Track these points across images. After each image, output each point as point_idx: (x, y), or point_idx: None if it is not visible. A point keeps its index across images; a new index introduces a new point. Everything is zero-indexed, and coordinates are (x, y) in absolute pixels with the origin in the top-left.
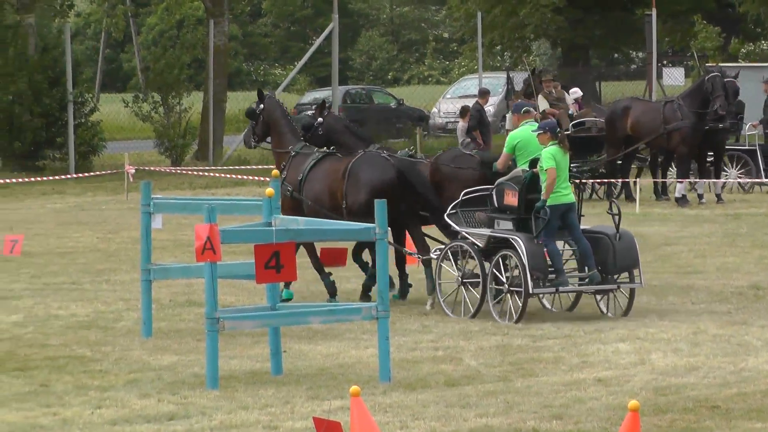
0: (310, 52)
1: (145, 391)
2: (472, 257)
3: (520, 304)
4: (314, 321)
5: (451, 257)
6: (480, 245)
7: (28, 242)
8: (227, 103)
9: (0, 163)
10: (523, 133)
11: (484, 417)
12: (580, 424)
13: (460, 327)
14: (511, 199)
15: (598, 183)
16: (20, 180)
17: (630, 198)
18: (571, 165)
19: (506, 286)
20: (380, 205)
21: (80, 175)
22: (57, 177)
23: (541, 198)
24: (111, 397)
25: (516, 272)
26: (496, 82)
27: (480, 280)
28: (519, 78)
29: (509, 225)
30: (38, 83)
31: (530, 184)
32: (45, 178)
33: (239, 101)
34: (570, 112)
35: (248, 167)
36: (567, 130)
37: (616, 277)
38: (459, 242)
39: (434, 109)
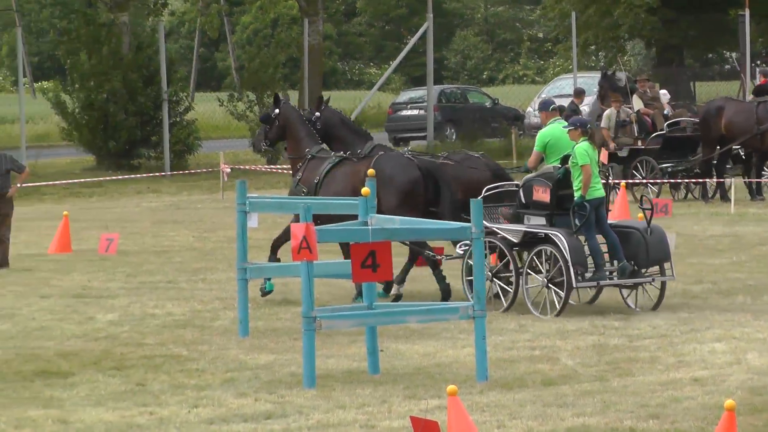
0: (405, 51)
1: (241, 390)
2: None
3: (561, 298)
4: (411, 320)
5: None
6: (515, 240)
7: (124, 241)
8: None
9: (95, 161)
10: (553, 131)
11: (581, 416)
12: (677, 424)
13: (556, 326)
14: (542, 195)
15: (693, 183)
16: (115, 178)
17: (725, 198)
18: (666, 164)
19: (545, 280)
20: (476, 205)
21: (175, 173)
22: (152, 175)
23: (579, 194)
24: (208, 396)
25: (552, 266)
26: (590, 81)
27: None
28: (621, 76)
29: (541, 221)
30: (133, 82)
31: (562, 181)
32: (140, 176)
33: (334, 100)
34: (665, 111)
35: None
36: (662, 130)
37: (644, 271)
38: (487, 238)
39: (529, 109)
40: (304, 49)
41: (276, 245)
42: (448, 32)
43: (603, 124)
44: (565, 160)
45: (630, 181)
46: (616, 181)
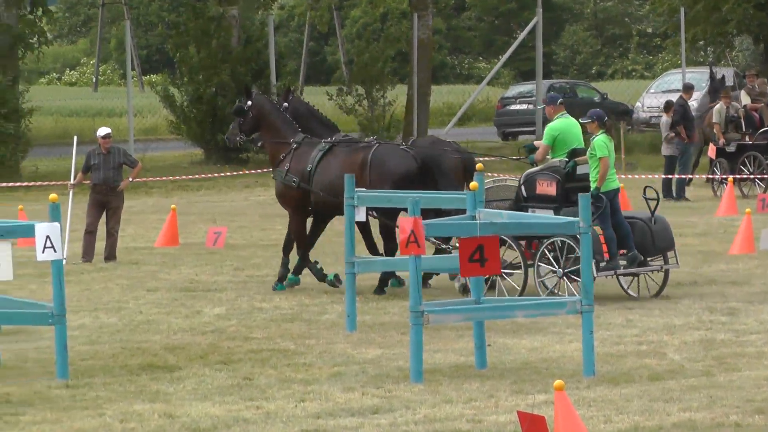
0: (514, 45)
1: (349, 384)
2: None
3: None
4: (519, 315)
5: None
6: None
7: (232, 234)
8: (431, 96)
9: (203, 155)
10: (561, 125)
11: (687, 411)
12: None
13: (663, 321)
14: (547, 188)
15: None
16: (224, 174)
17: None
18: None
19: (561, 270)
20: (584, 200)
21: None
22: (260, 170)
23: (595, 185)
24: (315, 390)
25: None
26: (699, 77)
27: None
28: (721, 73)
29: (549, 213)
30: (241, 75)
31: (569, 174)
32: (248, 171)
33: (443, 94)
34: None
35: None
36: None
37: (650, 259)
38: None
39: (638, 104)
40: (413, 44)
41: (287, 248)
42: (558, 27)
43: (714, 119)
44: (572, 153)
45: (737, 176)
46: (724, 176)
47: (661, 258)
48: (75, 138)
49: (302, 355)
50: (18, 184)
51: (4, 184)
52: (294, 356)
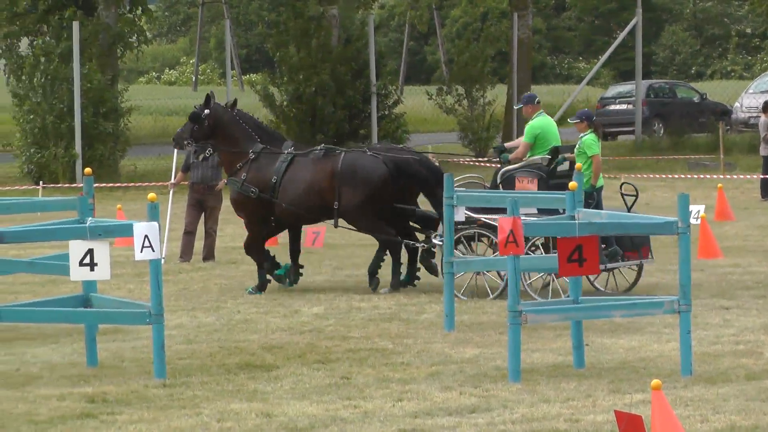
0: (614, 46)
1: (446, 383)
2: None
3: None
4: (616, 314)
5: (464, 242)
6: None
7: (331, 234)
8: None
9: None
10: (541, 123)
11: None
12: None
13: (761, 321)
14: (528, 185)
15: None
16: None
17: None
18: None
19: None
20: (683, 199)
21: None
22: None
23: (589, 183)
24: (412, 389)
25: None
26: None
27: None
28: None
29: (532, 210)
30: (341, 75)
31: (552, 171)
32: None
33: (543, 94)
34: None
35: None
36: None
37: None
38: (475, 228)
39: (736, 104)
40: (513, 43)
41: (294, 254)
42: (657, 27)
43: None
44: (554, 151)
45: None
46: None
47: (636, 253)
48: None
49: (400, 354)
50: (117, 184)
51: (103, 184)
52: (392, 355)
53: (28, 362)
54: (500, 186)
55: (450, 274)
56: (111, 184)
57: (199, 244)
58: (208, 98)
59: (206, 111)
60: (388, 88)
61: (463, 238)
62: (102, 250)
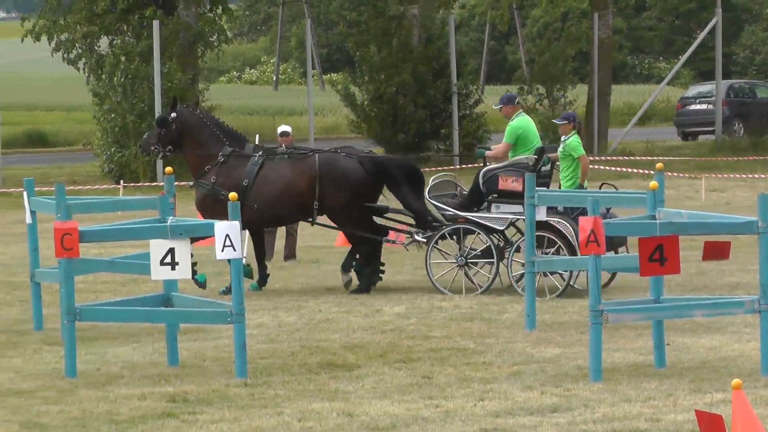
0: (694, 46)
1: (528, 383)
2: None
3: (565, 280)
4: (697, 314)
5: (449, 238)
6: (499, 228)
7: None
8: (612, 95)
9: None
10: (522, 123)
11: None
12: None
13: None
14: (512, 184)
15: None
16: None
17: None
18: None
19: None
20: (762, 199)
21: (464, 167)
22: (442, 168)
23: (577, 182)
24: (494, 389)
25: (549, 251)
26: None
27: (481, 259)
28: None
29: (517, 208)
30: (422, 75)
31: (537, 172)
32: (430, 169)
33: (624, 94)
34: None
35: (632, 158)
36: None
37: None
38: (459, 225)
39: None
40: (593, 43)
41: (260, 259)
42: (737, 27)
43: None
44: (540, 151)
45: None
46: None
47: (612, 253)
48: (257, 136)
49: (481, 353)
50: None
51: (183, 183)
52: (473, 355)
53: (110, 362)
54: (482, 186)
55: (531, 273)
56: (193, 183)
57: (280, 243)
58: (175, 102)
59: (173, 114)
60: (469, 88)
61: (447, 234)
62: (183, 250)
